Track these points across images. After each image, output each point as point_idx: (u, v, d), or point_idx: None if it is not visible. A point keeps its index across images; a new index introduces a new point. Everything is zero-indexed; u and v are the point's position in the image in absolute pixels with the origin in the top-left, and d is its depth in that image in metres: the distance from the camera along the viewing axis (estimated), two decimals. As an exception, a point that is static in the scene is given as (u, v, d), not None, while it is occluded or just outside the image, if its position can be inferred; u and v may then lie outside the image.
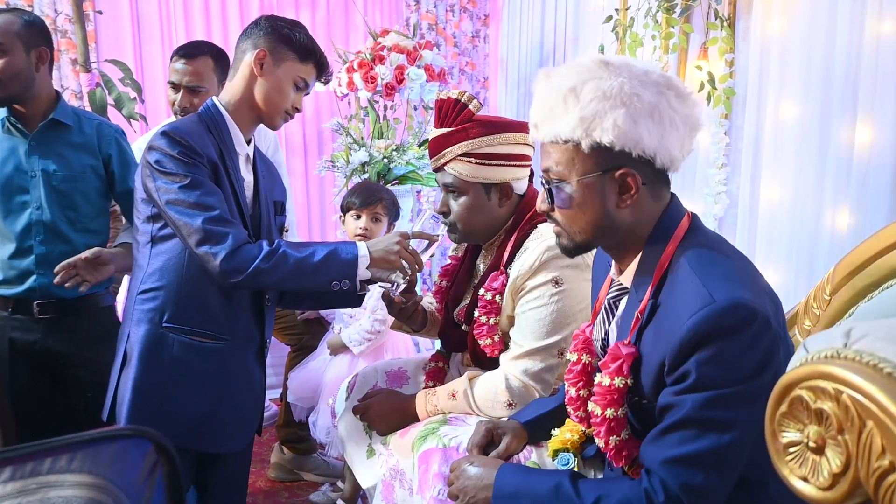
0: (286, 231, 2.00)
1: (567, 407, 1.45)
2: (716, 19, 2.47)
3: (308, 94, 1.88)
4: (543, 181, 1.31)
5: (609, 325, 1.37)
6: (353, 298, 1.94)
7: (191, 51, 2.52)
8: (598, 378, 1.29)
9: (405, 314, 1.97)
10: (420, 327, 2.08)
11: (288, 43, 1.78)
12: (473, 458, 1.42)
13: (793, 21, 2.23)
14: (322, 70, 1.86)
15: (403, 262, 1.74)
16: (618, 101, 1.17)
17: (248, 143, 1.85)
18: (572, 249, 1.34)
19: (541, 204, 1.33)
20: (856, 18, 1.99)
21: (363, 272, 1.71)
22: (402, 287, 1.85)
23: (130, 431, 0.80)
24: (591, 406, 1.29)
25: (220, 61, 2.54)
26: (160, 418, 1.71)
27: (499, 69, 4.52)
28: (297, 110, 1.85)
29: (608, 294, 1.40)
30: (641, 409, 1.25)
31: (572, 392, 1.42)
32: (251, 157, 1.87)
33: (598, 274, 1.52)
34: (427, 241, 1.85)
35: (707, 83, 2.47)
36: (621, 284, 1.35)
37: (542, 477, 1.31)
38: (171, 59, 2.53)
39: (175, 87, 2.50)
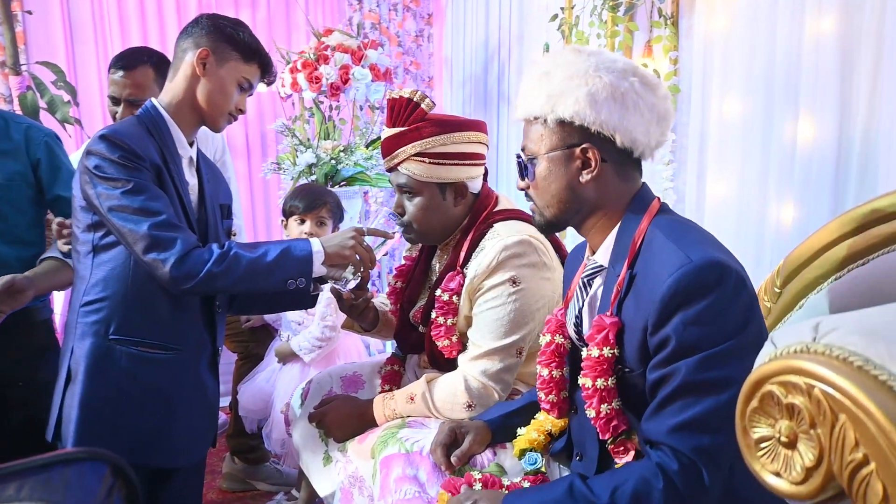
0: (234, 235, 1.95)
1: (538, 392, 1.47)
2: (660, 17, 2.50)
3: (252, 94, 1.84)
4: (518, 160, 1.40)
5: (582, 305, 1.40)
6: (308, 299, 1.91)
7: (129, 61, 2.33)
8: (584, 353, 1.31)
9: (356, 311, 1.95)
10: (371, 326, 2.05)
11: (231, 42, 1.73)
12: (473, 495, 1.37)
13: (735, 19, 2.27)
14: (266, 70, 1.81)
15: (358, 257, 1.72)
16: (582, 81, 1.26)
17: (191, 145, 1.80)
18: (544, 226, 1.41)
19: (518, 182, 1.41)
20: (796, 16, 2.04)
21: (318, 268, 1.68)
22: (354, 283, 1.84)
23: (85, 454, 0.75)
24: (581, 380, 1.31)
25: (162, 69, 2.42)
26: (111, 435, 1.64)
27: (443, 68, 4.50)
28: (241, 111, 1.80)
29: (582, 274, 1.42)
30: (626, 381, 1.28)
31: (545, 373, 1.45)
32: (195, 159, 1.82)
33: (570, 267, 1.55)
34: (382, 239, 1.83)
35: (652, 81, 2.50)
36: (595, 262, 1.38)
37: (550, 486, 1.31)
38: (109, 70, 2.36)
39: (115, 100, 2.32)
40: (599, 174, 1.31)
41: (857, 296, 1.38)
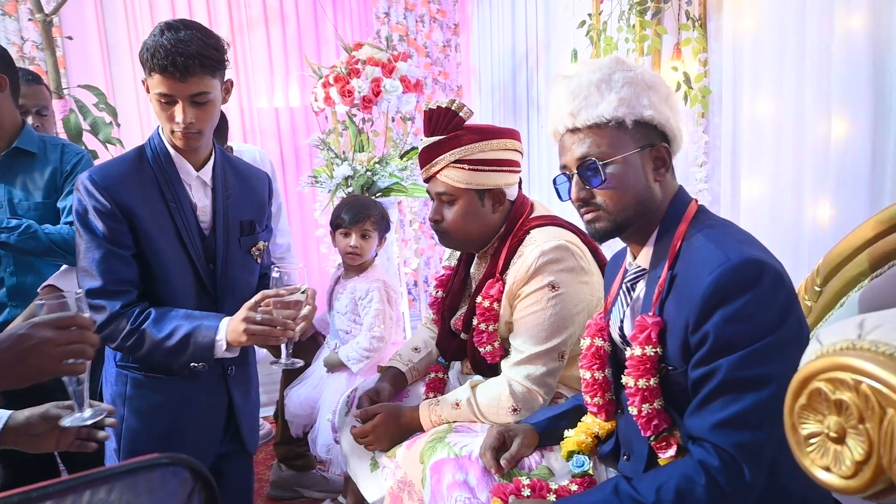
0: (261, 248, 1.91)
1: (584, 395, 1.50)
2: (687, 20, 2.52)
3: (184, 102, 1.64)
4: (574, 171, 1.38)
5: (625, 309, 1.43)
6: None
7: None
8: (628, 352, 1.34)
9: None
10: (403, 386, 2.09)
11: (143, 63, 1.64)
12: None
13: (763, 18, 2.28)
14: (163, 68, 1.59)
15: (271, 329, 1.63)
16: (644, 85, 1.33)
17: (203, 166, 1.80)
18: (611, 231, 1.38)
19: (578, 192, 1.37)
20: (825, 14, 2.04)
21: (223, 353, 1.69)
22: (286, 356, 1.72)
23: (168, 460, 0.80)
24: (624, 379, 1.34)
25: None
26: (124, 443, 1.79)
27: (471, 77, 4.55)
28: (189, 123, 1.66)
29: (624, 279, 1.45)
30: (669, 378, 1.31)
31: (587, 376, 1.48)
32: (208, 181, 1.81)
33: (610, 273, 1.57)
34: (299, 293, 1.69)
35: (683, 83, 2.52)
36: (638, 267, 1.41)
37: (596, 489, 1.35)
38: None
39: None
40: (666, 174, 1.37)
41: (899, 292, 1.40)
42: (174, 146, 1.75)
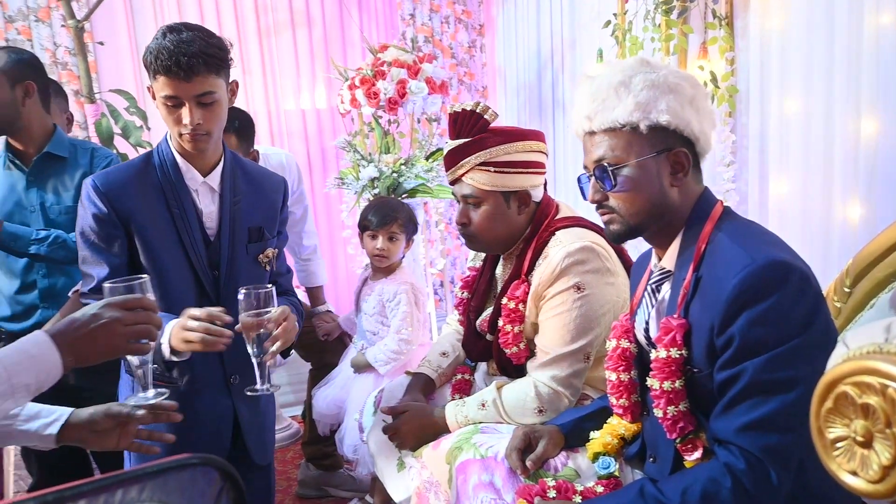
0: (269, 257, 1.88)
1: (610, 397, 1.50)
2: (714, 18, 2.50)
3: (190, 103, 1.63)
4: (592, 173, 1.39)
5: (650, 311, 1.42)
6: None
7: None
8: (653, 355, 1.34)
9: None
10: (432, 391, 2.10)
11: (147, 67, 1.64)
12: None
13: (791, 16, 2.26)
14: (167, 69, 1.59)
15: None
16: (665, 88, 1.32)
17: (210, 172, 1.78)
18: (625, 234, 1.39)
19: (593, 194, 1.40)
20: (854, 11, 2.02)
21: (169, 357, 1.60)
22: (260, 385, 1.60)
23: (198, 460, 0.81)
24: (649, 381, 1.34)
25: (244, 133, 2.60)
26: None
27: (497, 78, 4.55)
28: (196, 125, 1.65)
29: (649, 280, 1.45)
30: (695, 381, 1.30)
31: (613, 377, 1.48)
32: (215, 187, 1.79)
33: (636, 275, 1.57)
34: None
35: (710, 82, 2.50)
36: (663, 269, 1.41)
37: (621, 491, 1.35)
38: None
39: None
40: (685, 179, 1.35)
41: (930, 294, 1.38)
42: (181, 152, 1.74)
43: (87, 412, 1.40)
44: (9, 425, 1.35)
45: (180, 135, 1.67)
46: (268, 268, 1.89)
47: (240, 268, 1.81)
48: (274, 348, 1.57)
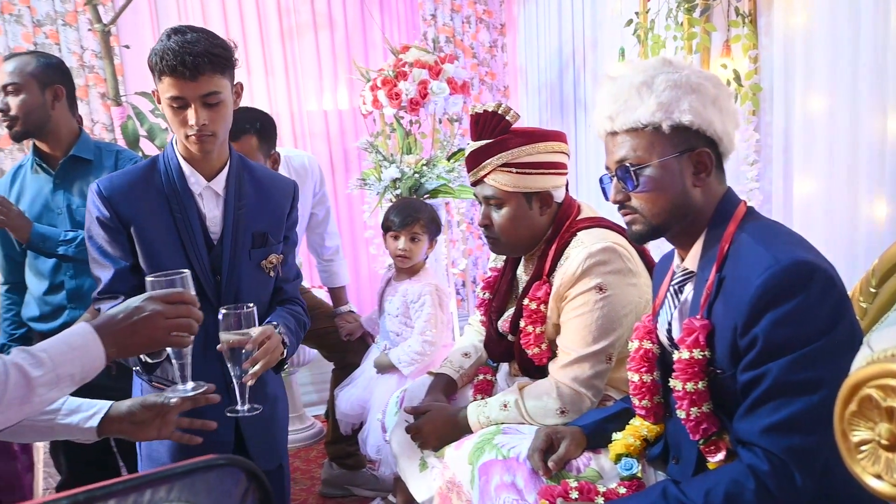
0: (274, 263, 1.85)
1: (632, 398, 1.50)
2: (737, 16, 2.48)
3: (196, 104, 1.62)
4: (614, 173, 1.39)
5: (673, 311, 1.42)
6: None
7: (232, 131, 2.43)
8: (675, 356, 1.34)
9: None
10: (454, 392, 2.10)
11: (152, 68, 1.64)
12: None
13: (815, 13, 2.24)
14: (172, 69, 1.59)
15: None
16: (688, 88, 1.31)
17: (215, 176, 1.76)
18: (647, 234, 1.40)
19: (616, 194, 1.40)
20: (879, 7, 2.00)
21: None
22: (240, 406, 1.57)
23: (224, 461, 0.83)
24: (672, 382, 1.33)
25: (265, 134, 2.60)
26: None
27: (518, 77, 4.55)
28: (202, 125, 1.63)
29: (672, 281, 1.45)
30: (718, 382, 1.30)
31: (636, 378, 1.48)
32: (220, 191, 1.78)
33: (658, 276, 1.57)
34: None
35: (733, 80, 2.48)
36: (686, 269, 1.41)
37: (644, 493, 1.35)
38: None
39: None
40: (708, 179, 1.35)
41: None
42: (186, 156, 1.73)
43: (125, 404, 1.44)
44: (51, 419, 1.40)
45: (186, 136, 1.66)
46: (272, 274, 1.87)
47: (242, 273, 1.80)
48: (254, 369, 1.54)
